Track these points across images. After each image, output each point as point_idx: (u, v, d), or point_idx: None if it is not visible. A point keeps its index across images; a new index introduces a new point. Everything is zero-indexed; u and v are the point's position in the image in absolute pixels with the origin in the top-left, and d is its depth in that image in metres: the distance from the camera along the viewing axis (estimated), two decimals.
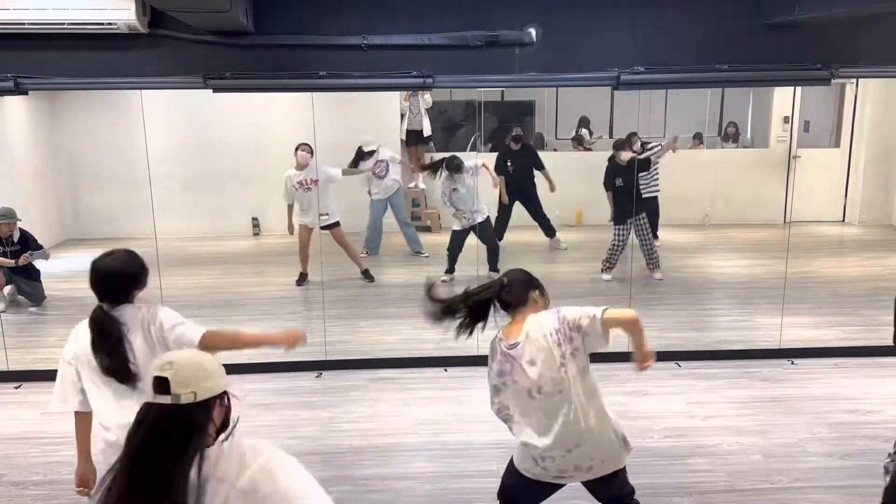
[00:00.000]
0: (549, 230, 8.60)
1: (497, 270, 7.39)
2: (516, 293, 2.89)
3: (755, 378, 5.21)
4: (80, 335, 2.75)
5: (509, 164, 8.27)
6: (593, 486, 2.96)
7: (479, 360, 5.41)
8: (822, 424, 4.50)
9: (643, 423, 4.50)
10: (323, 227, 7.45)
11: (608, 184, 7.47)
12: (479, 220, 7.39)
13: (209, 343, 2.72)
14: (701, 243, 9.20)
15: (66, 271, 7.99)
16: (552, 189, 8.26)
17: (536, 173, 8.35)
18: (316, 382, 5.27)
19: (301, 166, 7.27)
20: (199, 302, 6.88)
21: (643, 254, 7.32)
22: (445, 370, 5.38)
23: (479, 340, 5.86)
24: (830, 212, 10.13)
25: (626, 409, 4.70)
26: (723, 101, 11.56)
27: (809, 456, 4.16)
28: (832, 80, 4.69)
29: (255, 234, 9.60)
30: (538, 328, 2.77)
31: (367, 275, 7.61)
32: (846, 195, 10.19)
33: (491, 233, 7.53)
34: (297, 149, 7.26)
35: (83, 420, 2.81)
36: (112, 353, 2.67)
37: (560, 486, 2.96)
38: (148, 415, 1.76)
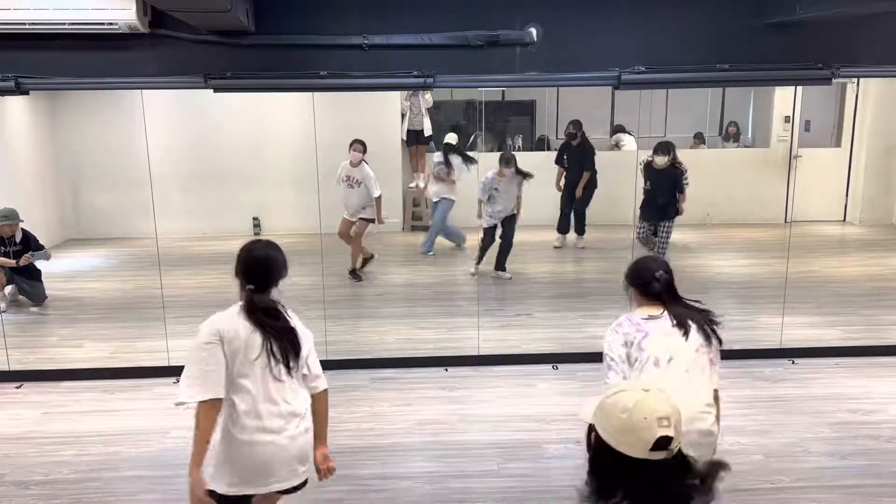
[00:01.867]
0: (582, 229, 8.64)
1: (504, 269, 7.41)
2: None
3: (756, 378, 5.21)
4: (227, 322, 2.68)
5: (566, 158, 8.48)
6: None
7: (479, 360, 5.45)
8: (823, 424, 4.50)
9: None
10: (360, 218, 7.54)
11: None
12: (504, 215, 7.46)
13: (316, 398, 2.92)
14: (702, 243, 9.19)
15: (67, 271, 8.00)
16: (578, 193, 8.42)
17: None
18: None
19: (353, 163, 7.35)
20: (200, 302, 6.87)
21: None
22: (446, 370, 5.38)
23: (480, 340, 5.89)
24: (831, 211, 10.12)
25: None
26: (724, 100, 11.55)
27: (810, 455, 4.15)
28: (833, 80, 4.68)
29: (256, 234, 9.60)
30: None
31: (354, 275, 7.62)
32: (847, 195, 10.18)
33: (511, 231, 7.56)
34: (350, 145, 7.35)
35: (215, 411, 2.62)
36: (286, 335, 2.77)
37: None
38: (651, 471, 1.67)
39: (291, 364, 2.77)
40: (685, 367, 2.80)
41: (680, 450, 1.70)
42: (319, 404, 2.86)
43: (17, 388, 5.26)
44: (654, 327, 2.87)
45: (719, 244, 9.18)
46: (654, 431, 1.66)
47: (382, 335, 6.10)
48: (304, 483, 2.86)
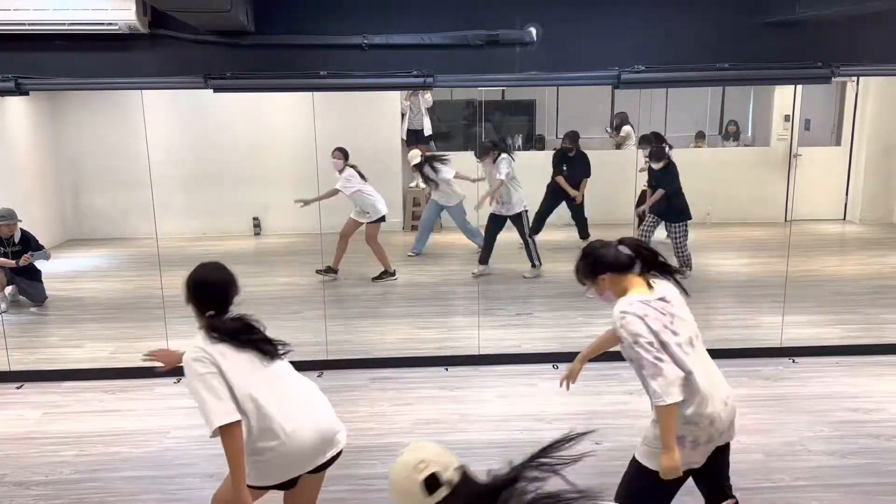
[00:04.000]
0: (585, 232, 8.67)
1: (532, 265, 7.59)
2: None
3: (756, 377, 5.21)
4: (209, 348, 2.71)
5: (565, 167, 8.52)
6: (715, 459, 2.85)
7: (479, 360, 5.45)
8: (824, 423, 4.50)
9: (645, 422, 4.49)
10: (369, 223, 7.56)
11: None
12: (513, 212, 7.56)
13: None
14: (702, 242, 9.18)
15: (67, 271, 8.00)
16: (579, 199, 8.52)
17: None
18: (316, 382, 5.22)
19: (336, 169, 7.37)
20: None
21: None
22: (446, 369, 5.38)
23: (480, 340, 5.88)
24: (831, 210, 10.13)
25: (628, 407, 4.70)
26: (723, 99, 11.55)
27: (811, 454, 4.15)
28: (833, 79, 4.68)
29: (256, 234, 9.61)
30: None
31: (390, 275, 7.61)
32: (847, 193, 10.19)
33: (522, 227, 7.67)
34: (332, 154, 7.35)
35: (239, 430, 2.63)
36: (259, 336, 2.80)
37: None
38: None
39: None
40: (701, 342, 2.83)
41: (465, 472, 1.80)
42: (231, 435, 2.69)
43: (18, 388, 5.26)
44: (674, 305, 2.79)
45: (719, 243, 9.18)
46: (417, 479, 1.77)
47: (382, 335, 6.10)
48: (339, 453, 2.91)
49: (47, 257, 6.93)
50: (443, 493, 1.76)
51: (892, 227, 9.82)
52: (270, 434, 2.67)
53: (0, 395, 5.16)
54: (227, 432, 2.58)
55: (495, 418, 4.62)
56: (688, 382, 2.65)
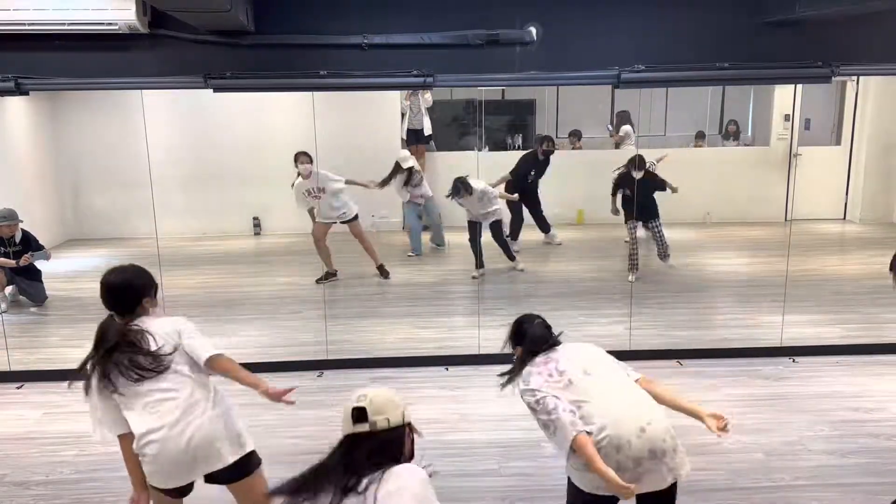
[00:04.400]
0: (546, 226, 8.67)
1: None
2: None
3: (756, 376, 5.21)
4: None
5: (533, 172, 8.47)
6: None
7: (479, 359, 5.45)
8: (824, 422, 4.50)
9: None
10: (342, 222, 7.52)
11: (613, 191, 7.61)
12: (490, 220, 7.58)
13: (213, 366, 2.82)
14: (702, 241, 9.19)
15: (67, 271, 8.00)
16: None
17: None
18: (317, 381, 5.27)
19: (305, 176, 7.29)
20: (200, 302, 6.89)
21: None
22: (446, 369, 5.38)
23: (480, 339, 5.88)
24: (831, 210, 10.13)
25: None
26: (723, 99, 11.55)
27: (811, 454, 4.16)
28: (833, 78, 4.68)
29: (256, 234, 9.61)
30: None
31: (382, 271, 7.62)
32: (847, 193, 10.19)
33: (498, 232, 7.69)
34: (296, 159, 7.26)
35: (128, 442, 2.80)
36: (123, 346, 2.76)
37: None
38: (351, 448, 2.12)
39: (150, 366, 2.75)
40: (601, 373, 2.84)
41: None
42: (219, 366, 2.83)
43: (18, 388, 5.27)
44: (560, 355, 2.89)
45: (719, 243, 9.19)
46: (348, 406, 2.13)
47: (382, 335, 6.10)
48: (239, 466, 2.86)
49: (47, 257, 6.93)
50: (361, 428, 2.10)
51: (893, 226, 9.82)
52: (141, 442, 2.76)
53: (0, 395, 5.16)
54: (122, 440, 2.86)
55: (495, 418, 4.62)
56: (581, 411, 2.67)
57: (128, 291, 2.86)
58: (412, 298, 7.16)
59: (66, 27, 4.24)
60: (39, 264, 6.93)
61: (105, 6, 4.16)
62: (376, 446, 2.08)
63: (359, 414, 2.11)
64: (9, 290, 6.89)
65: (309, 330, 6.01)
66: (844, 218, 10.18)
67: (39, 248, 6.89)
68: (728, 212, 9.80)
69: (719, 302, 7.05)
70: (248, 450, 2.89)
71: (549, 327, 3.02)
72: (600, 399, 2.70)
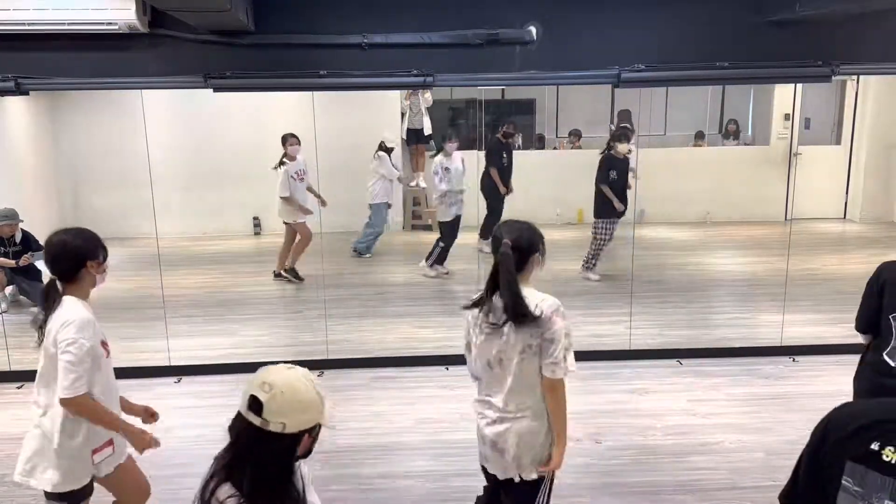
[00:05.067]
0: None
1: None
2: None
3: (757, 375, 5.21)
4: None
5: (505, 156, 8.37)
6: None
7: None
8: None
9: (645, 421, 4.50)
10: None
11: (602, 177, 7.32)
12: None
13: (66, 406, 2.68)
14: (702, 241, 9.19)
15: None
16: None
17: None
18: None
19: (292, 157, 7.35)
20: (200, 302, 6.88)
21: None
22: (446, 368, 5.38)
23: None
24: (832, 209, 10.13)
25: (628, 406, 4.70)
26: (723, 98, 11.56)
27: None
28: (833, 77, 4.68)
29: (257, 234, 9.61)
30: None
31: (293, 273, 7.62)
32: (847, 192, 10.19)
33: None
34: (285, 141, 7.32)
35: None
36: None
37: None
38: (240, 430, 1.81)
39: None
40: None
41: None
42: (73, 410, 2.72)
43: (18, 388, 5.26)
44: None
45: (719, 242, 9.19)
46: (247, 390, 1.79)
47: (382, 334, 6.10)
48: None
49: None
50: (253, 419, 1.77)
51: (893, 225, 9.82)
52: None
53: (0, 395, 5.16)
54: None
55: None
56: None
57: (67, 253, 2.78)
58: (412, 298, 7.15)
59: (66, 27, 4.24)
60: (40, 264, 6.92)
61: (105, 6, 4.16)
62: (263, 441, 1.78)
63: (254, 404, 1.78)
64: (9, 290, 6.89)
65: (309, 330, 6.01)
66: (844, 217, 10.18)
67: (39, 248, 6.88)
68: (728, 211, 9.81)
69: (719, 301, 7.05)
70: (40, 487, 2.82)
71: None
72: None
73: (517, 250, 2.61)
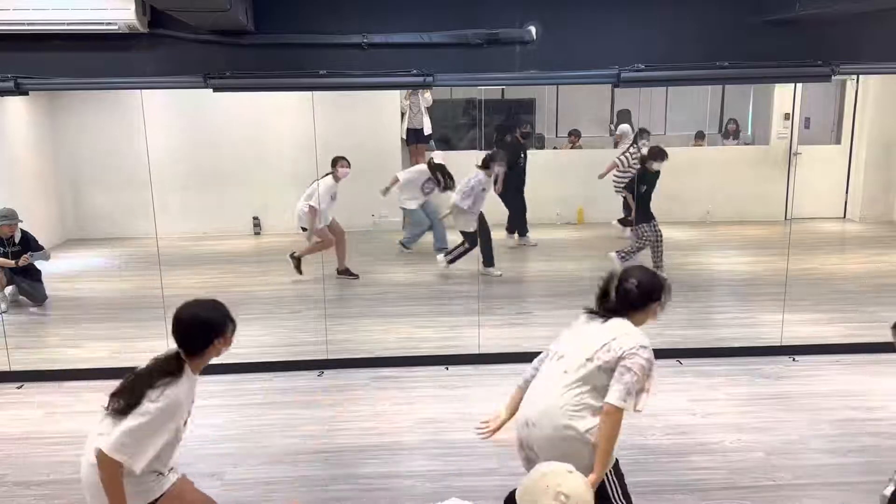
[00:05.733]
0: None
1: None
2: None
3: (757, 375, 5.21)
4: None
5: (522, 156, 8.52)
6: None
7: (479, 359, 5.45)
8: (825, 421, 4.50)
9: (645, 421, 4.50)
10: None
11: (635, 189, 7.56)
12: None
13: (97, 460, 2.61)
14: (702, 240, 9.19)
15: (67, 271, 8.00)
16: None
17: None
18: (317, 381, 5.27)
19: (338, 178, 7.39)
20: None
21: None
22: (447, 368, 5.38)
23: (481, 339, 5.87)
24: (831, 208, 10.14)
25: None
26: (723, 97, 11.56)
27: (812, 453, 4.15)
28: (833, 77, 4.68)
29: (257, 234, 9.61)
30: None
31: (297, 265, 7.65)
32: (847, 192, 10.19)
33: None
34: (336, 164, 7.34)
35: None
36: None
37: None
38: None
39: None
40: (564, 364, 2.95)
41: None
42: (99, 465, 2.62)
43: (19, 388, 5.26)
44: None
45: (719, 241, 9.19)
46: (547, 500, 1.75)
47: (383, 334, 6.10)
48: None
49: (47, 258, 6.93)
50: None
51: (892, 225, 9.82)
52: None
53: (0, 395, 5.16)
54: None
55: None
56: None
57: (196, 328, 2.78)
58: (412, 298, 7.15)
59: (65, 27, 4.24)
60: (39, 264, 6.93)
61: (104, 6, 4.16)
62: None
63: None
64: (9, 290, 6.89)
65: (309, 330, 6.01)
66: (844, 216, 10.18)
67: (39, 248, 6.89)
68: (728, 211, 9.81)
69: (719, 301, 7.06)
70: None
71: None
72: (539, 378, 2.98)
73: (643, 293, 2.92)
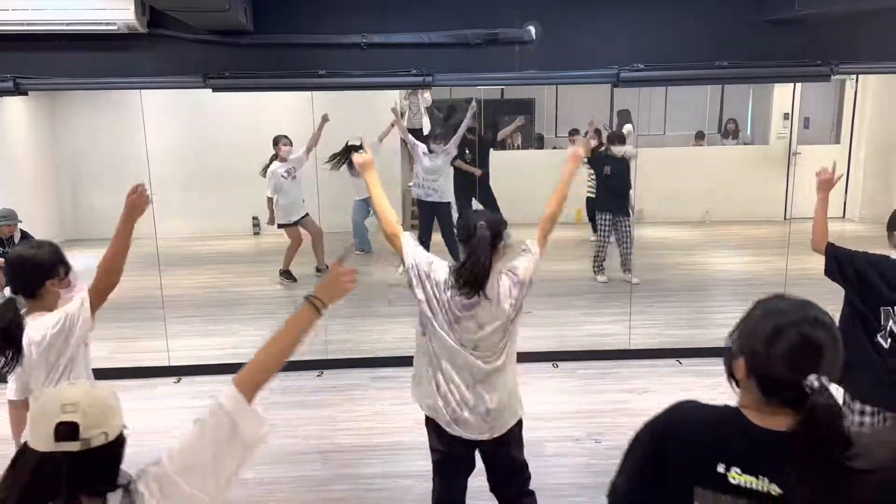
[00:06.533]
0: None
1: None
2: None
3: None
4: None
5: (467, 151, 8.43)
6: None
7: None
8: None
9: (645, 421, 4.50)
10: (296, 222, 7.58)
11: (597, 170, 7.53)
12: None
13: None
14: (701, 240, 9.20)
15: None
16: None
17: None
18: (317, 381, 5.27)
19: (283, 158, 7.38)
20: (200, 302, 6.88)
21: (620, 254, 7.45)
22: None
23: None
24: (831, 208, 9.99)
25: (628, 406, 4.70)
26: (723, 97, 11.56)
27: None
28: (832, 77, 4.68)
29: (256, 234, 9.60)
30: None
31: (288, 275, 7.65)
32: (846, 192, 10.18)
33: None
34: (277, 143, 7.35)
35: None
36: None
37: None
38: (51, 467, 1.51)
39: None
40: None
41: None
42: None
43: None
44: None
45: (719, 241, 9.19)
46: (53, 419, 1.53)
47: (383, 334, 6.11)
48: None
49: None
50: (70, 447, 1.51)
51: None
52: None
53: (0, 396, 5.15)
54: None
55: None
56: None
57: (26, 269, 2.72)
58: (412, 298, 7.14)
59: (65, 27, 4.24)
60: None
61: (104, 6, 4.16)
62: (86, 468, 1.52)
63: (65, 431, 1.51)
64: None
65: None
66: (844, 216, 10.18)
67: None
68: (727, 210, 9.81)
69: (719, 301, 7.05)
70: None
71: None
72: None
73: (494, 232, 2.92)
